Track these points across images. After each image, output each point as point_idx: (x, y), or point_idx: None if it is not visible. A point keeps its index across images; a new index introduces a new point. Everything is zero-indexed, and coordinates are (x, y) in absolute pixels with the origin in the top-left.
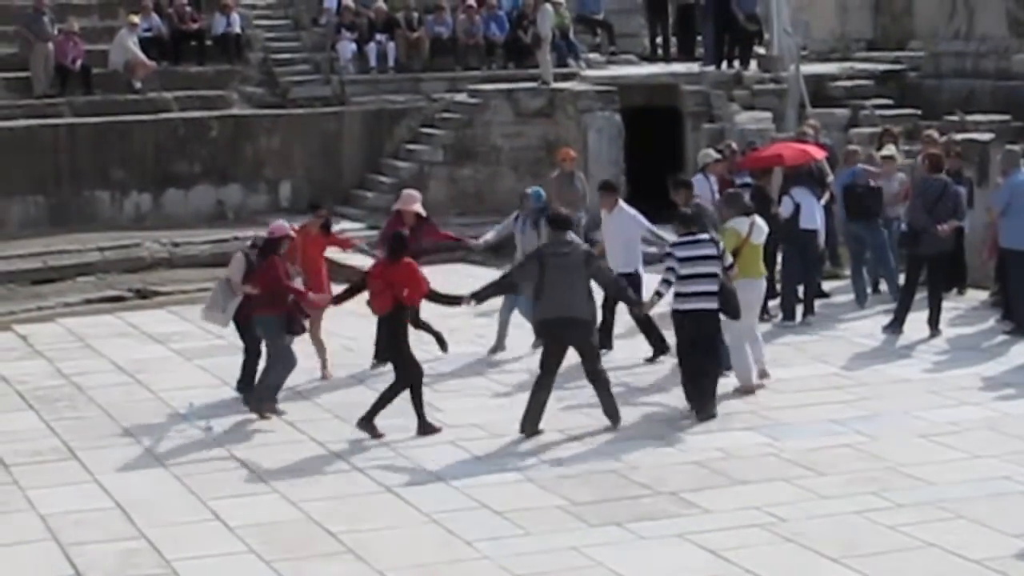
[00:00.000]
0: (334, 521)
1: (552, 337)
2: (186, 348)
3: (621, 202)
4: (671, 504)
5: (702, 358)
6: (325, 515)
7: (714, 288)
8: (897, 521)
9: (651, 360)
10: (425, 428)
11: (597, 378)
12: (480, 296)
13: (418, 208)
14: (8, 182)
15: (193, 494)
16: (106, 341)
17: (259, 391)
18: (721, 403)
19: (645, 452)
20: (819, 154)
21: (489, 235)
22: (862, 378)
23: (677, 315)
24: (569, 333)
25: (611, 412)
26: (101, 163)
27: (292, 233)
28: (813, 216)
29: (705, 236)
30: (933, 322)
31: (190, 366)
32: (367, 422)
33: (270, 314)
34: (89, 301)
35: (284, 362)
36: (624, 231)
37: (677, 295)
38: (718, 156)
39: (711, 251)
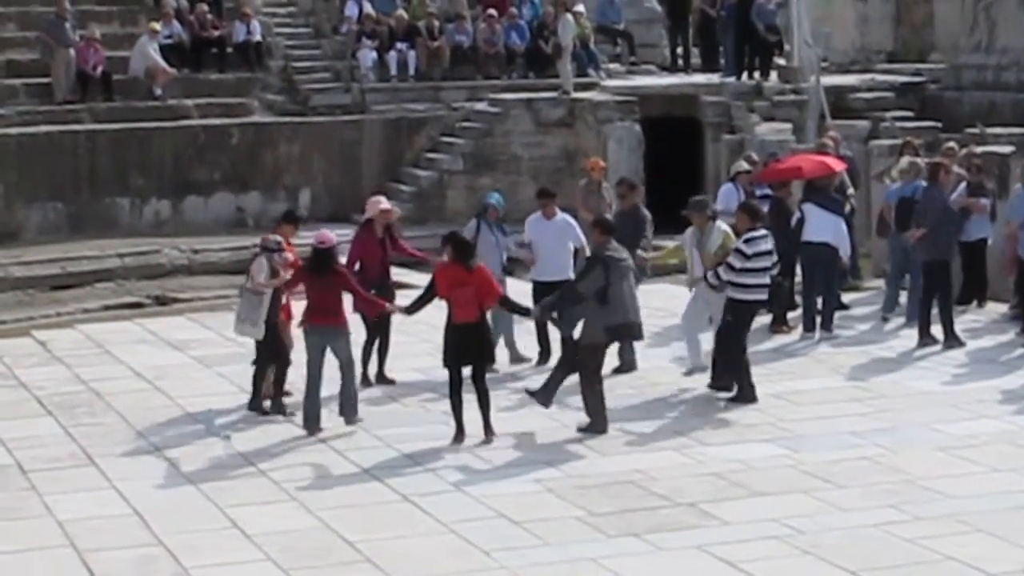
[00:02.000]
0: (352, 529)
1: (620, 339)
2: (205, 355)
3: (558, 210)
4: (689, 515)
5: (744, 343)
6: (343, 523)
7: (767, 282)
8: (915, 534)
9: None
10: (459, 436)
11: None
12: (546, 308)
13: (384, 205)
14: (28, 188)
15: (211, 501)
16: (125, 347)
17: (346, 405)
18: (739, 413)
19: (663, 463)
20: (839, 166)
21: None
22: (881, 390)
23: (741, 304)
24: (635, 337)
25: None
26: (121, 170)
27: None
28: (821, 229)
29: (765, 232)
30: (949, 333)
31: (209, 373)
32: (486, 430)
33: (333, 324)
34: (108, 307)
35: (352, 370)
36: (561, 238)
37: (741, 286)
38: (749, 168)
39: (770, 247)
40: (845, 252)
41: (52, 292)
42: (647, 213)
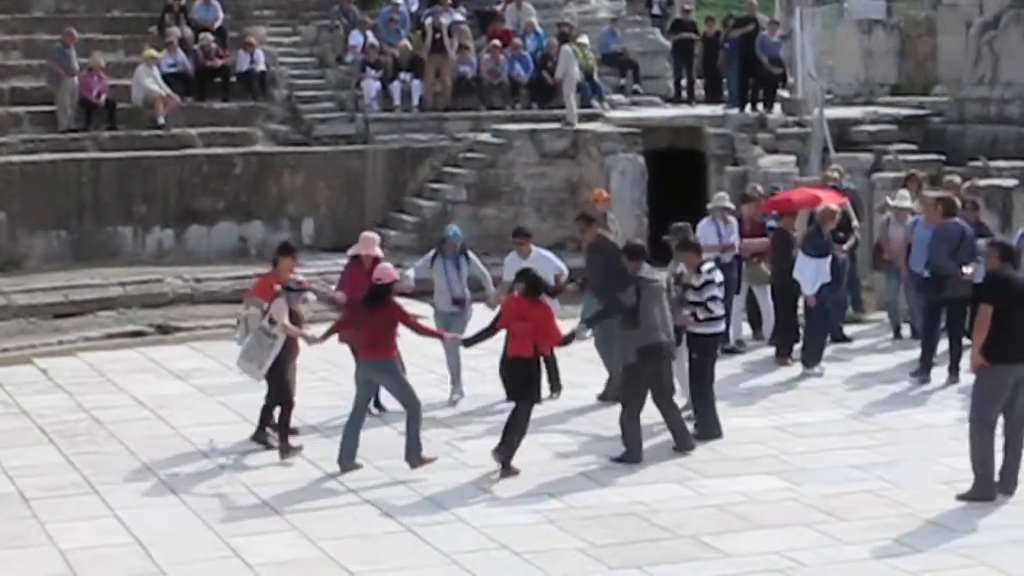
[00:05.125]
0: (353, 560)
1: (653, 360)
2: (207, 384)
3: (532, 246)
4: (691, 548)
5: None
6: (344, 553)
7: (722, 313)
8: (918, 567)
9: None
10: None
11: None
12: (592, 323)
13: (377, 252)
14: (31, 216)
15: (212, 530)
16: (127, 376)
17: (410, 446)
18: (743, 447)
19: (665, 495)
20: (833, 200)
21: (411, 278)
22: (884, 423)
23: (702, 338)
24: (669, 358)
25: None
26: (124, 198)
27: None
28: (800, 271)
29: (712, 264)
30: (953, 368)
31: (211, 402)
32: (501, 457)
33: (385, 357)
34: (110, 336)
35: (413, 404)
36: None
37: (711, 319)
38: (730, 205)
39: (719, 278)
40: (806, 290)
41: (54, 320)
42: (614, 245)
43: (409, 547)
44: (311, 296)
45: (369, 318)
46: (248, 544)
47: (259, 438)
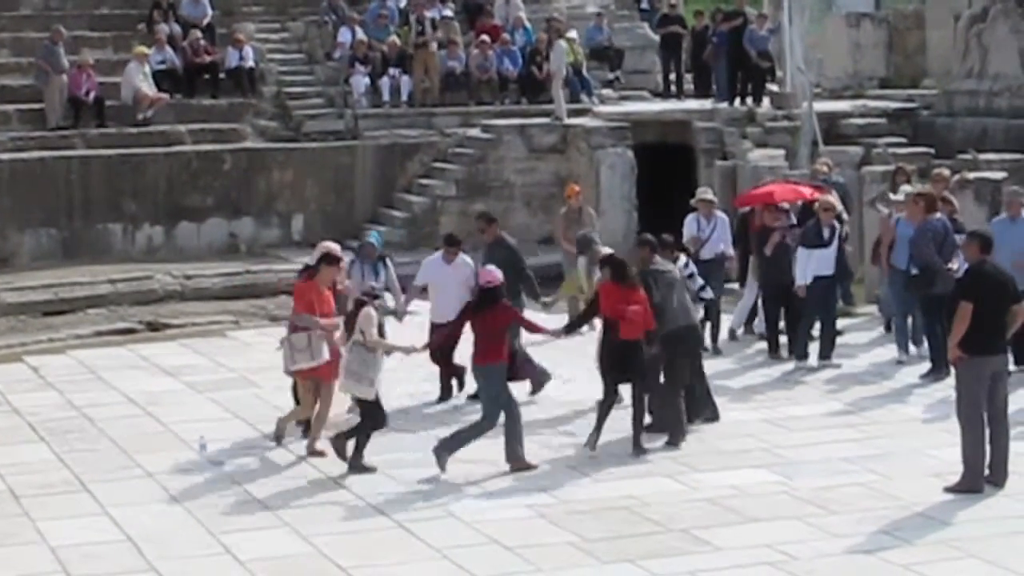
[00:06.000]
0: (345, 556)
1: (680, 345)
2: (197, 381)
3: (461, 254)
4: (682, 541)
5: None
6: (336, 550)
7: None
8: (909, 560)
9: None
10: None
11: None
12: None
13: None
14: (21, 214)
15: (203, 527)
16: (117, 373)
17: (510, 447)
18: (734, 441)
19: (657, 488)
20: (808, 195)
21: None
22: (874, 416)
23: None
24: (693, 342)
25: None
26: (114, 195)
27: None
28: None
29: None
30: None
31: (201, 399)
32: (636, 446)
33: (495, 362)
34: (100, 333)
35: (490, 420)
36: (460, 281)
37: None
38: (711, 199)
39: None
40: (798, 280)
41: (44, 318)
42: (513, 242)
43: (400, 542)
44: (388, 303)
45: (478, 323)
46: (239, 540)
47: (356, 464)
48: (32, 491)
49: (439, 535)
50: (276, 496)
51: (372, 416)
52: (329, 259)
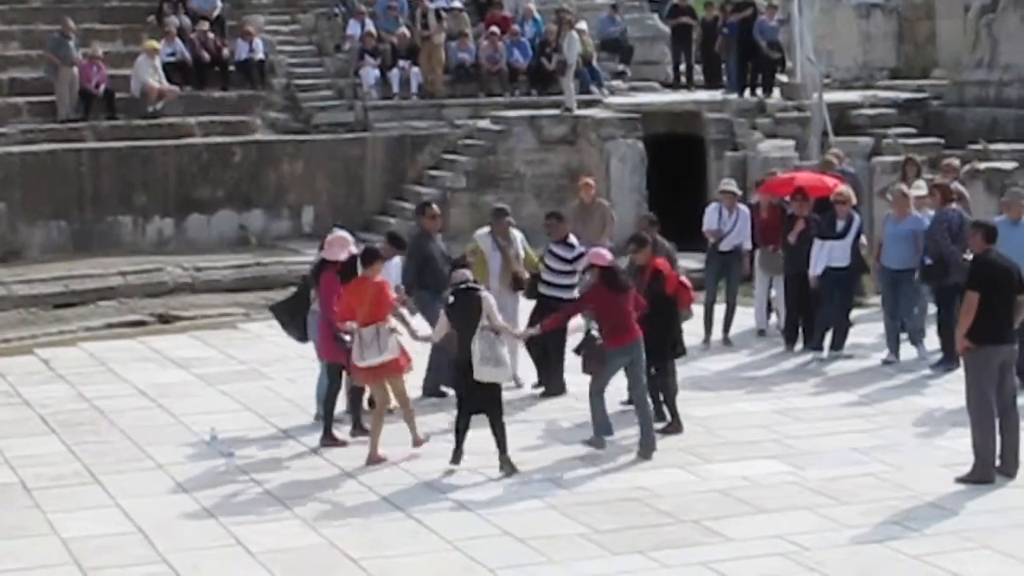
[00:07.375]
0: (356, 547)
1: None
2: (208, 373)
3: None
4: (694, 532)
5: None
6: (347, 541)
7: None
8: (920, 551)
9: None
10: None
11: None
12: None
13: (346, 254)
14: (32, 206)
15: (214, 519)
16: (128, 365)
17: (644, 443)
18: (745, 432)
19: (667, 480)
20: (832, 185)
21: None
22: (885, 407)
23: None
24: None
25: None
26: (124, 188)
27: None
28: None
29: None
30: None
31: (212, 391)
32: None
33: (633, 340)
34: (111, 325)
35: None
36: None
37: None
38: (735, 191)
39: None
40: (812, 271)
41: (55, 310)
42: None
43: (412, 534)
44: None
45: (612, 302)
46: (250, 532)
47: (505, 460)
48: (43, 483)
49: (451, 527)
50: (287, 488)
51: (499, 403)
52: (373, 255)
